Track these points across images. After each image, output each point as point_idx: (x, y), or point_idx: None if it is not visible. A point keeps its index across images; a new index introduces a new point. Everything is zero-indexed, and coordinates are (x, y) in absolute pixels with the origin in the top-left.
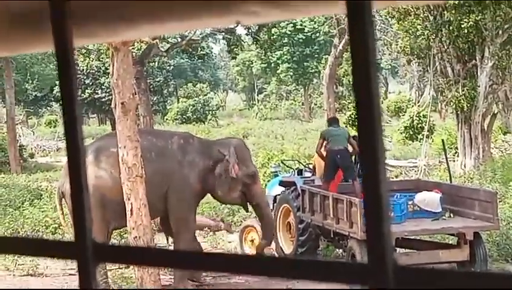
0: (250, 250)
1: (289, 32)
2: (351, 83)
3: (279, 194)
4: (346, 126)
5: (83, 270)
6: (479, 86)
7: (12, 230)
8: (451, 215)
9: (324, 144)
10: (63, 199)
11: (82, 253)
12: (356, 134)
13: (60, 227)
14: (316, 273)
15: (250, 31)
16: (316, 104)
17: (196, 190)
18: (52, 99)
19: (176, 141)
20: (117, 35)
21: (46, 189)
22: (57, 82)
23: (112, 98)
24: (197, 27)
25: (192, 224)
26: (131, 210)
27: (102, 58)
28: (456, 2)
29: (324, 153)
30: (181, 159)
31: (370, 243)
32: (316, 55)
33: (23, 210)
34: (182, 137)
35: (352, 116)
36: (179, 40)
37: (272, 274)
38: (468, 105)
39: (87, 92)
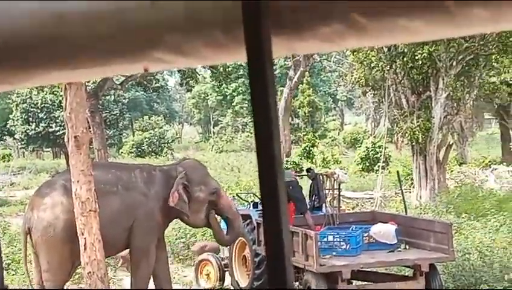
0: (205, 284)
1: (244, 64)
2: (306, 114)
3: None
4: (301, 158)
5: None
6: (433, 117)
7: None
8: (407, 247)
9: None
10: (28, 236)
11: None
12: (310, 166)
13: (12, 263)
14: None
15: None
16: None
17: (160, 221)
18: (6, 133)
19: (139, 174)
20: (27, 81)
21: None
22: (10, 116)
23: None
24: (106, 74)
25: (152, 258)
26: (84, 245)
27: (56, 91)
28: None
29: None
30: (146, 192)
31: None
32: None
33: None
34: (145, 169)
35: (307, 148)
36: (134, 72)
37: None
38: (423, 136)
39: (42, 126)
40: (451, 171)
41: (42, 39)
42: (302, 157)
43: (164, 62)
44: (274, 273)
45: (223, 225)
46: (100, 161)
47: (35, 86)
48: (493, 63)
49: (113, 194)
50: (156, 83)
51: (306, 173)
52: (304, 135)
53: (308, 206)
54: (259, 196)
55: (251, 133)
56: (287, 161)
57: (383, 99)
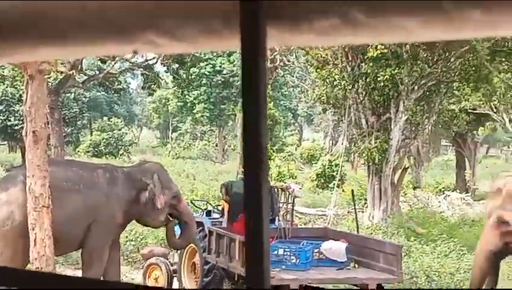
0: None
1: (208, 73)
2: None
3: None
4: None
5: None
6: (391, 139)
7: None
8: (356, 265)
9: (228, 190)
10: None
11: None
12: None
13: None
14: None
15: (169, 68)
16: (230, 146)
17: (119, 223)
18: None
19: (102, 174)
20: (19, 54)
21: None
22: None
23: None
24: (96, 54)
25: (105, 259)
26: (34, 240)
27: (17, 85)
28: (374, 55)
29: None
30: (107, 192)
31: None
32: (233, 98)
33: None
34: (107, 169)
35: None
36: (97, 72)
37: None
38: (380, 157)
39: (0, 119)
40: (405, 194)
41: (31, 15)
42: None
43: (156, 45)
44: (253, 270)
45: (176, 229)
46: (56, 157)
47: (25, 60)
48: (454, 91)
49: (75, 192)
50: (118, 85)
51: None
52: None
53: None
54: (212, 205)
55: (209, 142)
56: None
57: (343, 118)
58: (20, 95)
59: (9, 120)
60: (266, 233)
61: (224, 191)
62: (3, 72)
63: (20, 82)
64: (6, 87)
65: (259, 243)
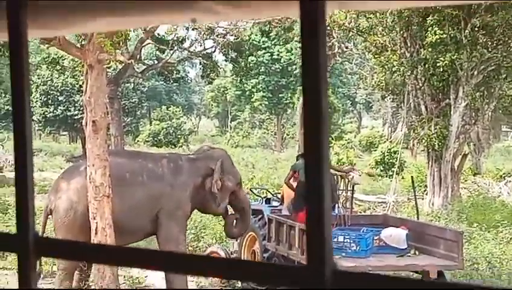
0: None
1: (266, 62)
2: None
3: None
4: None
5: (23, 263)
6: (451, 126)
7: None
8: (417, 252)
9: (295, 175)
10: (50, 216)
11: (23, 246)
12: None
13: None
14: (256, 275)
15: (228, 56)
16: (288, 135)
17: (187, 211)
18: None
19: (166, 163)
20: (74, 27)
21: (13, 204)
22: (30, 98)
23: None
24: (155, 23)
25: (183, 246)
26: (96, 229)
27: (76, 75)
28: (433, 41)
29: (294, 185)
30: (172, 182)
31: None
32: (292, 86)
33: None
34: (172, 159)
35: None
36: (155, 62)
37: (216, 274)
38: (440, 144)
39: (60, 109)
40: (465, 180)
41: None
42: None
43: (213, 13)
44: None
45: None
46: (121, 148)
47: (79, 32)
48: None
49: (138, 184)
50: (176, 74)
51: None
52: None
53: None
54: (271, 192)
55: (267, 130)
56: None
57: (402, 105)
58: (80, 86)
59: (69, 110)
60: (328, 219)
61: (291, 174)
62: (63, 62)
63: (80, 72)
64: (66, 77)
65: (320, 229)
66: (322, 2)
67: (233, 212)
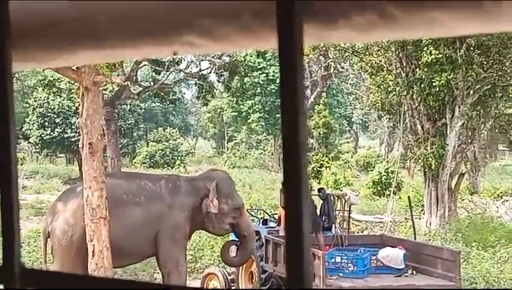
0: None
1: (261, 82)
2: (321, 135)
3: None
4: (309, 178)
5: None
6: (447, 145)
7: None
8: (414, 272)
9: None
10: (48, 239)
11: (9, 277)
12: (322, 186)
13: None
14: None
15: (222, 78)
16: None
17: (186, 232)
18: (21, 136)
19: (164, 184)
20: (54, 60)
21: None
22: (27, 120)
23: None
24: (134, 57)
25: (183, 267)
26: (93, 251)
27: (73, 98)
28: (429, 60)
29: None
30: (171, 203)
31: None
32: None
33: None
34: (170, 180)
35: (315, 168)
36: (152, 83)
37: None
38: (436, 163)
39: (57, 131)
40: (463, 199)
41: (71, 18)
42: (310, 178)
43: (194, 46)
44: (294, 269)
45: (232, 236)
46: (113, 169)
47: (59, 66)
48: (510, 94)
49: (135, 205)
50: (172, 95)
51: (317, 193)
52: (312, 156)
53: None
54: (269, 213)
55: (265, 151)
56: None
57: (398, 124)
58: (77, 108)
59: (66, 132)
60: (306, 233)
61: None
62: (59, 85)
63: (76, 94)
64: (63, 100)
65: (299, 243)
66: (300, 36)
67: (235, 238)
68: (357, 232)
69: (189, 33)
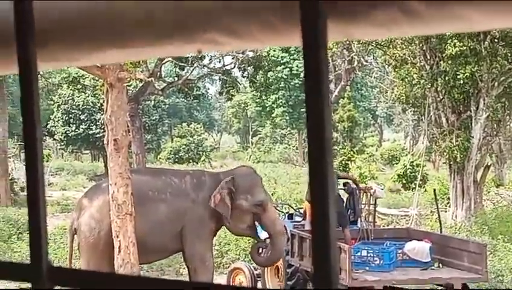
0: None
1: (285, 77)
2: (346, 129)
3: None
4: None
5: None
6: (472, 137)
7: None
8: (440, 265)
9: None
10: (75, 236)
11: (37, 276)
12: (348, 181)
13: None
14: None
15: (246, 73)
16: None
17: (212, 227)
18: (46, 133)
19: (189, 179)
20: (79, 60)
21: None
22: (51, 116)
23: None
24: (159, 55)
25: (210, 262)
26: (119, 248)
27: (97, 94)
28: (453, 53)
29: None
30: (195, 198)
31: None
32: None
33: (11, 243)
34: (195, 175)
35: (343, 162)
36: (176, 79)
37: None
38: (462, 156)
39: (82, 128)
40: (488, 192)
41: (93, 18)
42: (339, 171)
43: (217, 44)
44: (320, 268)
45: (259, 229)
46: (138, 165)
47: (82, 66)
48: None
49: (160, 201)
50: (196, 91)
51: (342, 187)
52: (340, 149)
53: None
54: (294, 208)
55: (289, 145)
56: None
57: (423, 117)
58: (101, 104)
59: (91, 129)
60: (333, 229)
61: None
62: (84, 82)
63: (101, 91)
64: (88, 96)
65: (325, 240)
66: (324, 32)
67: (259, 241)
68: (383, 226)
69: (213, 31)
